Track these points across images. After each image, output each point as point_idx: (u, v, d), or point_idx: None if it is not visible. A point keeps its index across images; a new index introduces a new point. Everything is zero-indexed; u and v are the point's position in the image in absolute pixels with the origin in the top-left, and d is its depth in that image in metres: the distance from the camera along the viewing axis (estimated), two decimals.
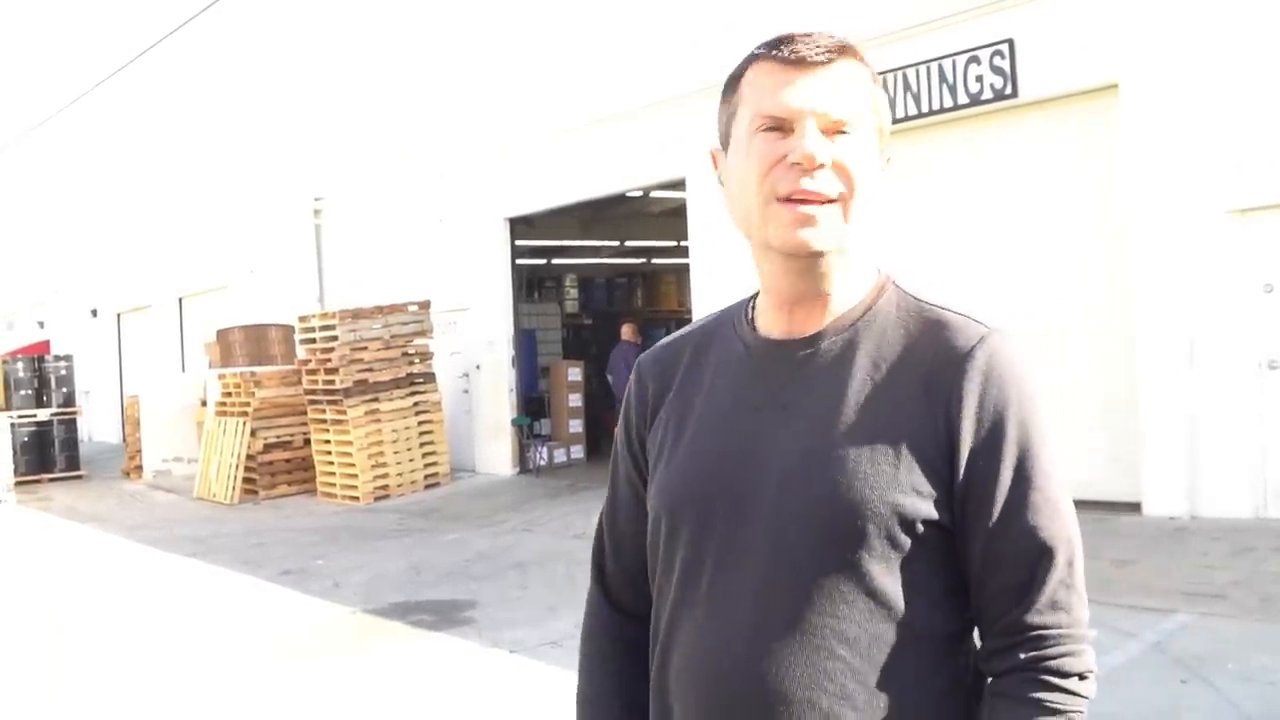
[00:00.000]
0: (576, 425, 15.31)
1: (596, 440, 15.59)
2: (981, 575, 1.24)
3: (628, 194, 13.78)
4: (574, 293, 19.34)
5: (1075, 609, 1.23)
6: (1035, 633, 1.22)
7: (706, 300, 11.75)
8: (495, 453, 14.56)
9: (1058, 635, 1.22)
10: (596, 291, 19.93)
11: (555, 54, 13.27)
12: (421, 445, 13.69)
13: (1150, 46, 8.11)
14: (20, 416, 17.63)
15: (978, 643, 1.30)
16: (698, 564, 1.31)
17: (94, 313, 26.22)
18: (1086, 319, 8.58)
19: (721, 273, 11.44)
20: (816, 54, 1.25)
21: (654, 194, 14.13)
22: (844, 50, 1.27)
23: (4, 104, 25.38)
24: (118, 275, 24.91)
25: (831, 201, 1.25)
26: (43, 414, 17.96)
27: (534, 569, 8.54)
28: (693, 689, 1.30)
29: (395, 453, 13.40)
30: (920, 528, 1.22)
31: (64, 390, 18.34)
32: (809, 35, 1.27)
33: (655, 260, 19.94)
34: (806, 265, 1.28)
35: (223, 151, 19.63)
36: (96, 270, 25.92)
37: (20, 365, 18.26)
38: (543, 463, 14.33)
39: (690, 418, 1.38)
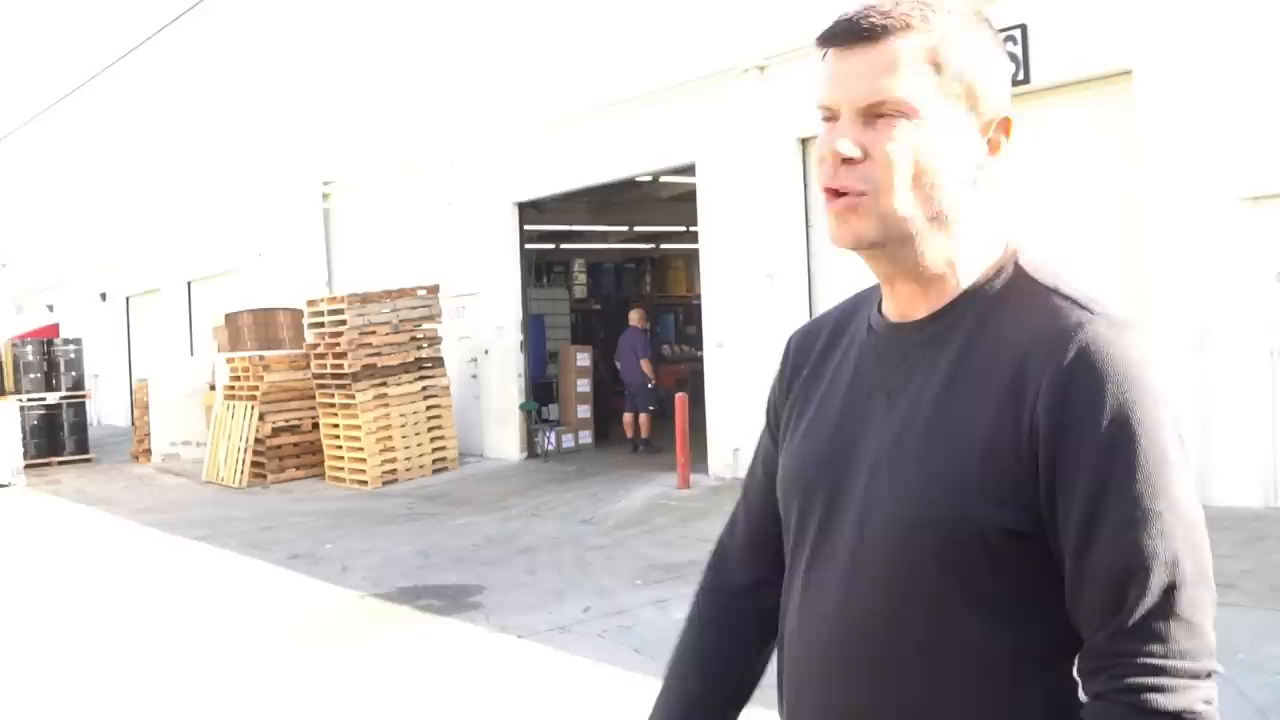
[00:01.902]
0: (585, 410, 15.31)
1: (605, 425, 15.60)
2: (1073, 588, 1.12)
3: (637, 179, 13.74)
4: (583, 278, 19.36)
5: (1177, 639, 1.07)
6: (1120, 660, 1.08)
7: (716, 285, 11.73)
8: (503, 438, 14.57)
9: (1145, 665, 1.07)
10: (605, 277, 19.95)
11: (564, 38, 13.22)
12: (430, 430, 13.71)
13: (1164, 33, 8.05)
14: (30, 400, 17.67)
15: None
16: (802, 544, 1.32)
17: (103, 296, 26.25)
18: None
19: (731, 258, 11.42)
20: (856, 33, 1.17)
21: (663, 179, 14.09)
22: (898, 24, 1.16)
23: (13, 88, 25.39)
24: (127, 259, 24.92)
25: (864, 194, 1.18)
26: (52, 397, 18.00)
27: (542, 554, 8.54)
28: (792, 661, 1.33)
29: (403, 437, 13.41)
30: (995, 537, 1.12)
31: (73, 374, 18.36)
32: (859, 11, 1.18)
33: (664, 245, 19.93)
34: (868, 256, 1.24)
35: (231, 136, 19.61)
36: (106, 254, 25.93)
37: (30, 348, 18.28)
38: (551, 448, 14.34)
39: (815, 400, 1.36)
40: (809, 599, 1.28)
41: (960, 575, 1.14)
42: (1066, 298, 1.17)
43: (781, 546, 1.40)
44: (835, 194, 1.19)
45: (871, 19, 1.16)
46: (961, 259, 1.23)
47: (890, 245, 1.20)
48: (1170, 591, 1.08)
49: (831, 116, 1.19)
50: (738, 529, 1.55)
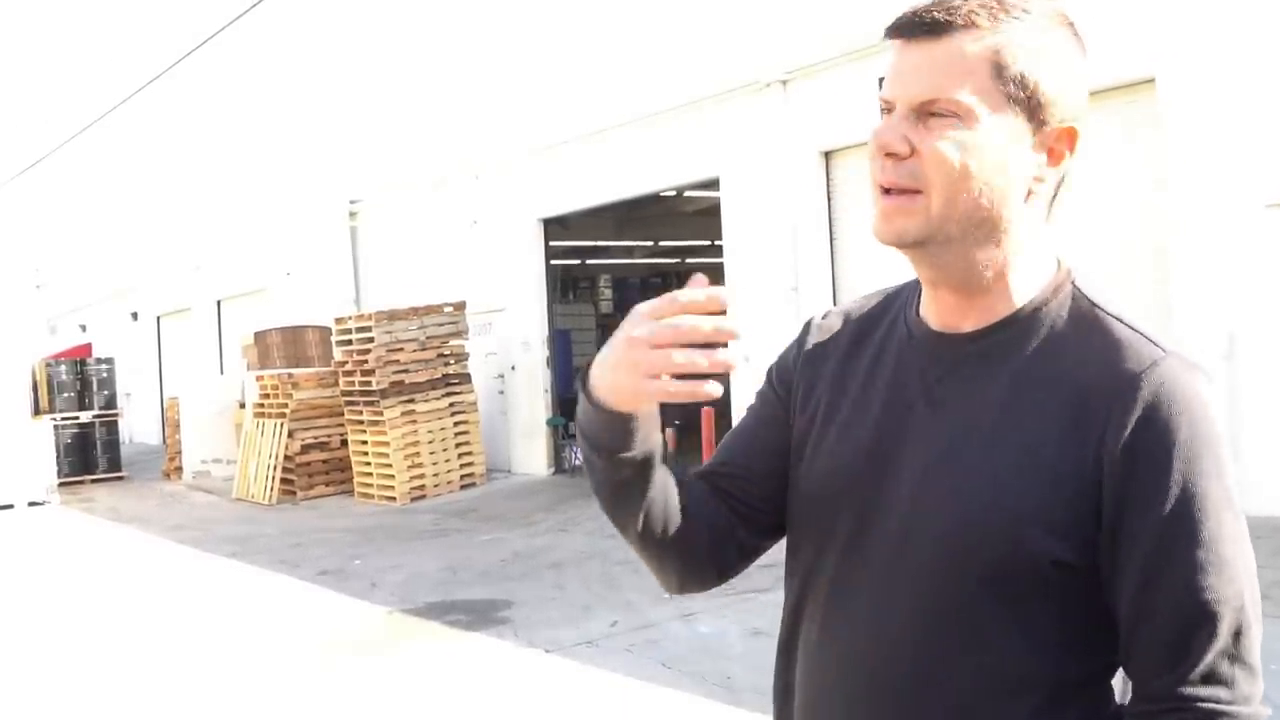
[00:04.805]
0: None
1: None
2: (1130, 627, 1.10)
3: (661, 194, 13.78)
4: (608, 293, 19.40)
5: (1239, 684, 1.07)
6: (1186, 705, 1.06)
7: (741, 299, 11.71)
8: (531, 453, 14.61)
9: (1211, 710, 1.06)
10: (631, 291, 19.97)
11: (589, 54, 13.30)
12: (457, 446, 13.76)
13: (1187, 41, 8.02)
14: (63, 419, 17.89)
15: (1117, 691, 1.17)
16: (826, 555, 1.25)
17: (134, 316, 26.52)
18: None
19: (755, 271, 11.43)
20: (919, 27, 1.12)
21: (687, 193, 14.13)
22: (962, 21, 1.10)
23: (46, 113, 25.74)
24: (158, 279, 25.19)
25: (915, 191, 1.12)
26: (85, 416, 18.21)
27: (570, 569, 8.56)
28: (810, 684, 1.26)
29: (431, 453, 13.47)
30: (1045, 567, 1.09)
31: (105, 393, 18.58)
32: (928, 4, 1.13)
33: (689, 259, 19.94)
34: (911, 255, 1.18)
35: (259, 156, 19.82)
36: (137, 274, 26.22)
37: (63, 368, 18.52)
38: (578, 463, 14.32)
39: (845, 402, 1.28)
40: (836, 611, 1.23)
41: (1005, 598, 1.11)
42: (1135, 330, 1.14)
43: (736, 516, 1.34)
44: (885, 191, 1.14)
45: (935, 13, 1.11)
46: (1013, 274, 1.17)
47: (932, 247, 1.14)
48: (1237, 636, 1.07)
49: (889, 109, 1.14)
50: (725, 479, 1.41)
